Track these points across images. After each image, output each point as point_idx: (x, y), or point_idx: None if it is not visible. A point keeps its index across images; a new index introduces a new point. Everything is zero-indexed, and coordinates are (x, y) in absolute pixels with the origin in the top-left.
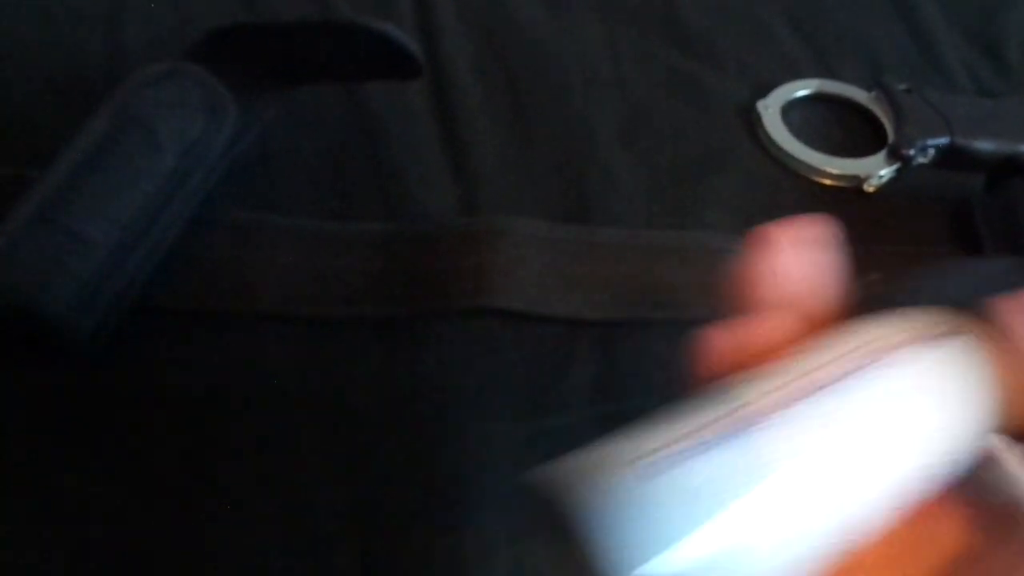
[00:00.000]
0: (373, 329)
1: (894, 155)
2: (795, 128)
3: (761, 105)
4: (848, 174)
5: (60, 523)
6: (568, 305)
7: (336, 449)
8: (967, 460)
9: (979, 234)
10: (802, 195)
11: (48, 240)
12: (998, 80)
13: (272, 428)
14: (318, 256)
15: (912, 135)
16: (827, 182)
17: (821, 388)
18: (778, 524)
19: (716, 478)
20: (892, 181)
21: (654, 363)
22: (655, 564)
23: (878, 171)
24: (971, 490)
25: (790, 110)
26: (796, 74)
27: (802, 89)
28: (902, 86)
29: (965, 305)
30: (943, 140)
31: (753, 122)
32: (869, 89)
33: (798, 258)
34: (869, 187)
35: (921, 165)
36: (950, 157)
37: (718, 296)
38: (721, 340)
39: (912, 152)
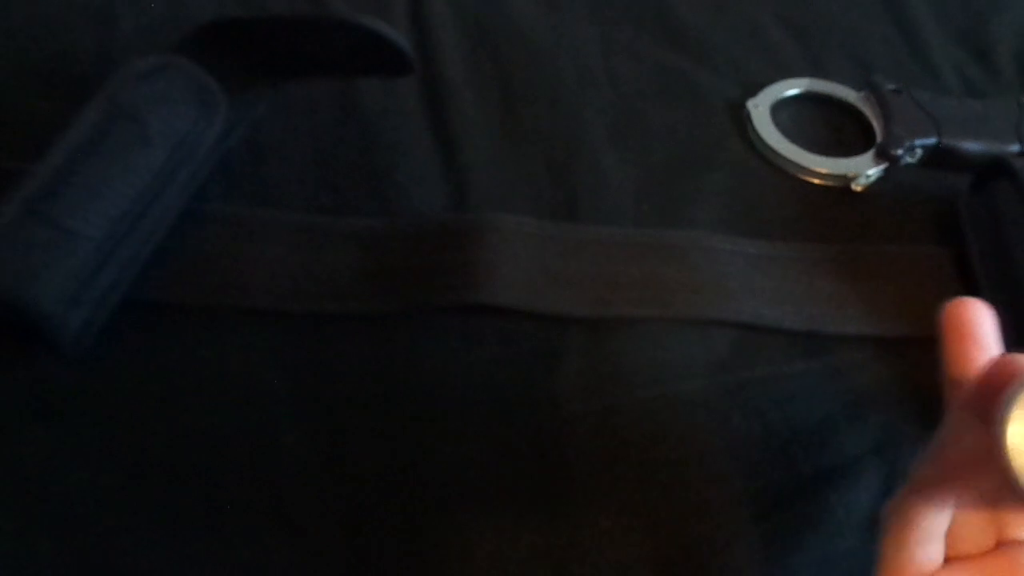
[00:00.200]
0: (362, 324)
1: (882, 155)
2: (784, 127)
3: (751, 104)
4: (836, 173)
5: (47, 516)
6: (556, 302)
7: (323, 445)
8: None
9: (964, 233)
10: (790, 194)
11: (37, 234)
12: (987, 81)
13: (260, 423)
14: (308, 251)
15: (900, 135)
16: (815, 181)
17: None
18: None
19: None
20: (880, 180)
21: (642, 360)
22: None
23: (866, 170)
24: None
25: (779, 109)
26: (786, 73)
27: (792, 88)
28: (891, 86)
29: None
30: (931, 140)
31: (743, 121)
32: (858, 89)
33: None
34: (857, 186)
35: (909, 165)
36: (937, 157)
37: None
38: None
39: (900, 152)
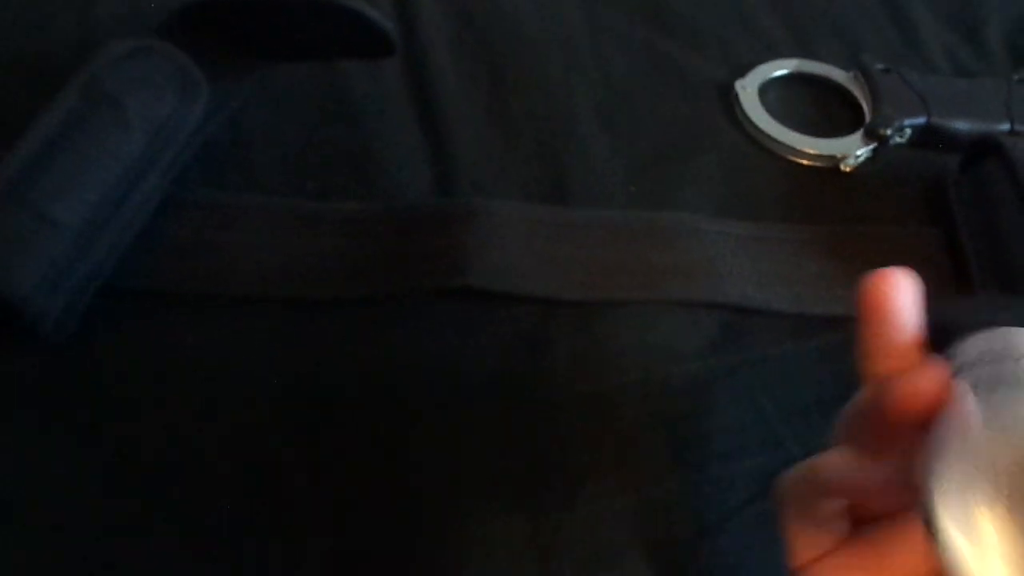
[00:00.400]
0: (348, 310)
1: (871, 135)
2: (773, 108)
3: (739, 85)
4: (825, 154)
5: (28, 505)
6: (545, 286)
7: (309, 432)
8: None
9: (953, 213)
10: (779, 175)
11: (14, 220)
12: (976, 60)
13: (245, 411)
14: (293, 237)
15: (889, 115)
16: (804, 162)
17: None
18: None
19: None
20: (869, 161)
21: (631, 344)
22: None
23: (855, 151)
24: None
25: (768, 90)
26: (775, 54)
27: (780, 69)
28: (880, 66)
29: None
30: (920, 120)
31: (731, 102)
32: (847, 69)
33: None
34: (846, 167)
35: (898, 145)
36: (927, 137)
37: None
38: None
39: (889, 132)
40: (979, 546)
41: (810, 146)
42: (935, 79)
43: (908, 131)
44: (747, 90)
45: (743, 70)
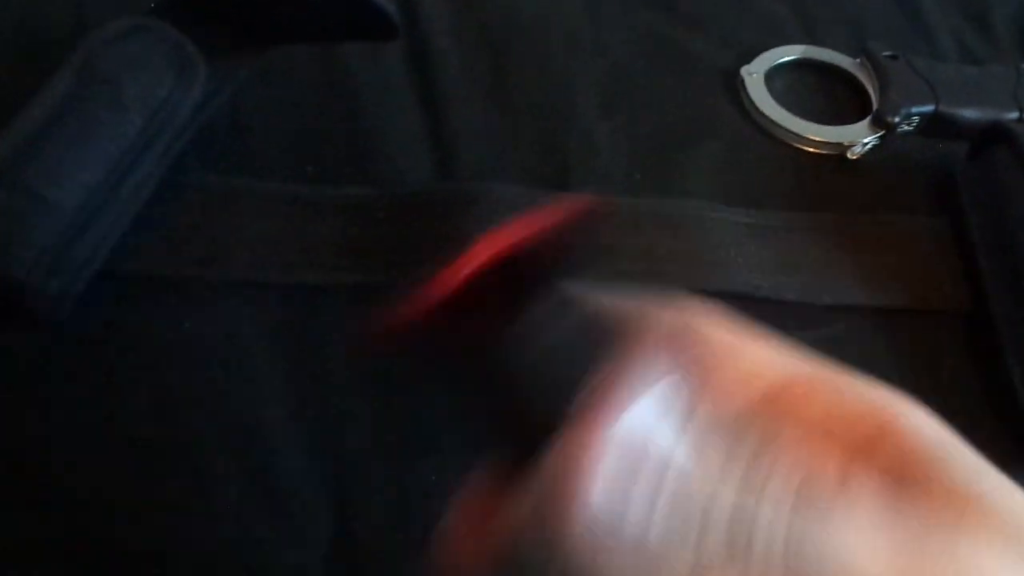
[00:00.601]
0: (347, 295)
1: (878, 122)
2: (779, 95)
3: (745, 71)
4: (832, 141)
5: (22, 484)
6: None
7: (307, 416)
8: None
9: (961, 202)
10: (785, 162)
11: (10, 202)
12: (984, 48)
13: (243, 395)
14: (292, 222)
15: (897, 102)
16: (810, 149)
17: None
18: None
19: None
20: (876, 149)
21: None
22: None
23: (862, 138)
24: None
25: (774, 76)
26: (781, 40)
27: (787, 55)
28: (887, 53)
29: None
30: (928, 107)
31: (737, 89)
32: (854, 56)
33: None
34: (853, 155)
35: (905, 132)
36: (934, 124)
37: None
38: None
39: (897, 119)
40: None
41: (817, 134)
42: (943, 66)
43: (916, 119)
44: (753, 76)
45: (749, 56)
